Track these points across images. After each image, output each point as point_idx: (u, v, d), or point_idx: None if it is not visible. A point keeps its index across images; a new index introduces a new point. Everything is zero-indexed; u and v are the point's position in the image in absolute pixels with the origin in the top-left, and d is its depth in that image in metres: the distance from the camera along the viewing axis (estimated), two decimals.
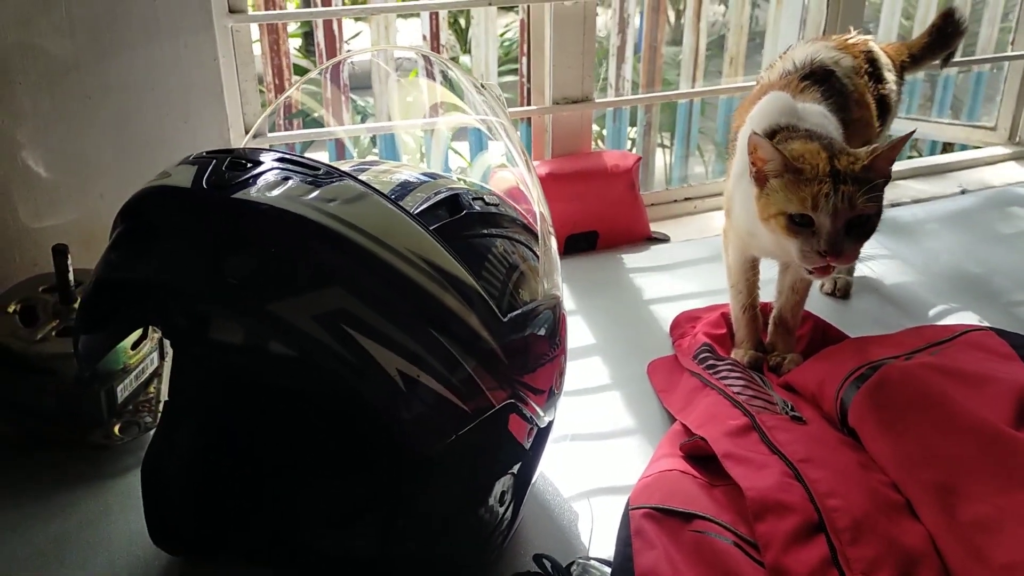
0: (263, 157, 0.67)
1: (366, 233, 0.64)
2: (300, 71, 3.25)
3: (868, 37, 1.19)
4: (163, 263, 0.62)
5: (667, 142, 3.05)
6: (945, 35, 1.28)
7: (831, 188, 0.90)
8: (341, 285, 0.62)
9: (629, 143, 2.82)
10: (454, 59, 3.24)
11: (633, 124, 2.87)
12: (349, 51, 2.04)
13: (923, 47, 1.27)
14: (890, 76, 1.17)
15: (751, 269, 1.09)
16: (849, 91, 1.08)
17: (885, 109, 1.16)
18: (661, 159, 2.99)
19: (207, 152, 0.68)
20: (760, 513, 0.76)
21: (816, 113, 1.01)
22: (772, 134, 0.97)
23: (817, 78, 1.06)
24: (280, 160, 0.67)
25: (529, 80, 2.20)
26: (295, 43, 3.53)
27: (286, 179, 0.65)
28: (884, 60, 1.18)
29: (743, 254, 1.08)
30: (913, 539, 0.75)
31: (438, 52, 2.23)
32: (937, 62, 1.31)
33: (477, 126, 1.62)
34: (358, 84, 2.74)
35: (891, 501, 0.79)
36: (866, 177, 0.91)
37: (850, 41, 1.15)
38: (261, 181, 0.64)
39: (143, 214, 0.65)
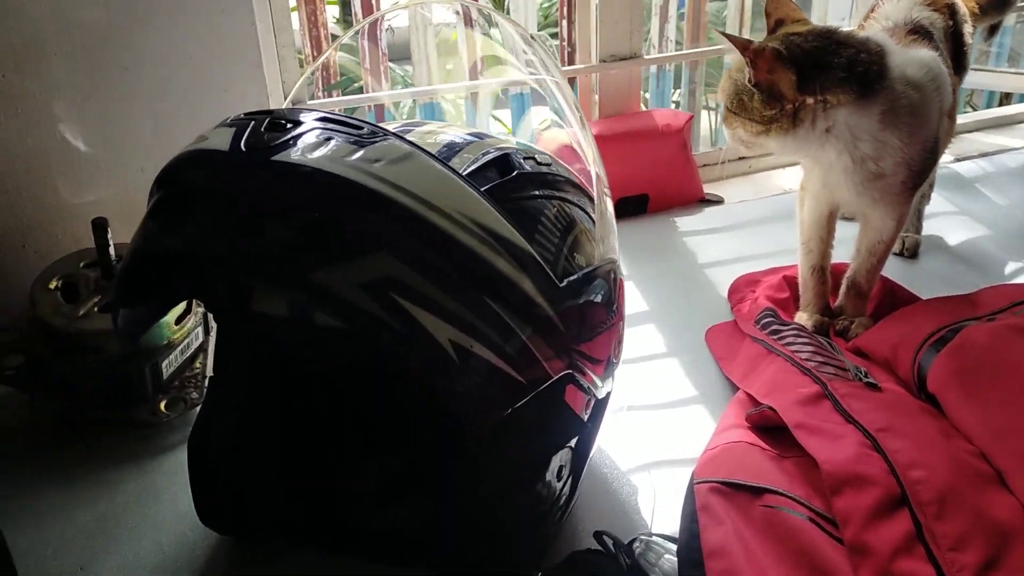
0: (303, 117, 0.63)
1: (413, 195, 0.60)
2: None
3: None
4: (200, 232, 0.59)
5: (712, 104, 2.96)
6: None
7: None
8: (388, 251, 0.59)
9: (673, 106, 2.74)
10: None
11: (677, 86, 2.78)
12: (392, 32, 2.00)
13: (983, 3, 1.20)
14: (967, 30, 1.12)
15: (825, 227, 1.04)
16: (944, 54, 1.03)
17: (962, 66, 1.11)
18: (707, 121, 2.91)
19: (245, 114, 0.64)
20: (837, 487, 0.72)
21: (924, 58, 0.96)
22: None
23: (922, 34, 1.01)
24: (321, 120, 0.63)
25: (570, 44, 2.14)
26: (332, 11, 3.49)
27: (328, 140, 0.61)
28: (963, 11, 1.12)
29: (818, 210, 1.03)
30: (1003, 512, 0.70)
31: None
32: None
33: (522, 87, 1.57)
34: (397, 54, 2.70)
35: (978, 472, 0.74)
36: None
37: None
38: (302, 142, 0.61)
39: (179, 180, 0.62)
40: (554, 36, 2.96)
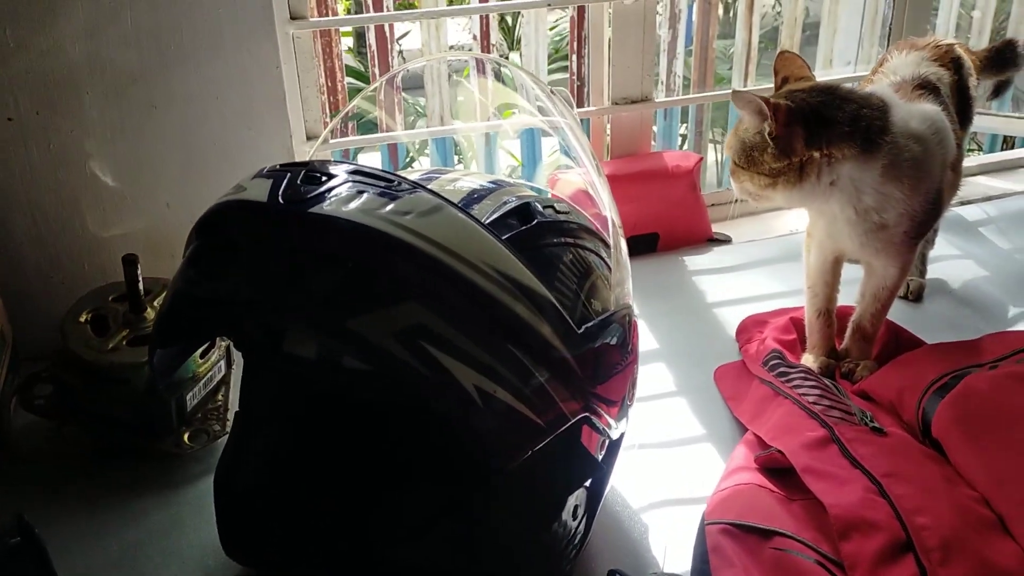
0: (336, 170, 0.67)
1: (442, 246, 0.63)
2: (352, 72, 3.27)
3: (954, 42, 1.16)
4: (242, 279, 0.62)
5: (719, 138, 3.01)
6: (1002, 59, 1.23)
7: None
8: (418, 300, 0.61)
9: (680, 140, 2.78)
10: (504, 57, 3.23)
11: (684, 121, 2.82)
12: (404, 62, 2.05)
13: (982, 60, 1.23)
14: (972, 83, 1.15)
15: (831, 272, 1.06)
16: (951, 111, 1.06)
17: (967, 119, 1.15)
18: (712, 155, 2.96)
19: (280, 165, 0.67)
20: (845, 532, 0.74)
21: (928, 112, 0.99)
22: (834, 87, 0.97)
23: (929, 89, 1.04)
24: (353, 172, 0.67)
25: (579, 78, 2.18)
26: (346, 42, 3.55)
27: (360, 192, 0.64)
28: (968, 65, 1.15)
29: (823, 256, 1.05)
30: (1006, 559, 0.72)
31: (488, 51, 2.22)
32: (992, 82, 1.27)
33: (537, 127, 1.61)
34: (410, 84, 2.75)
35: (981, 518, 0.76)
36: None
37: (942, 49, 1.13)
38: (335, 195, 0.64)
39: (219, 229, 0.65)
40: (564, 70, 3.01)
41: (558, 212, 0.78)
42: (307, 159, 0.74)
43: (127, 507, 0.91)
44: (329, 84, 2.45)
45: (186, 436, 0.97)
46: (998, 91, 1.30)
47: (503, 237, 0.69)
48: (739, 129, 0.98)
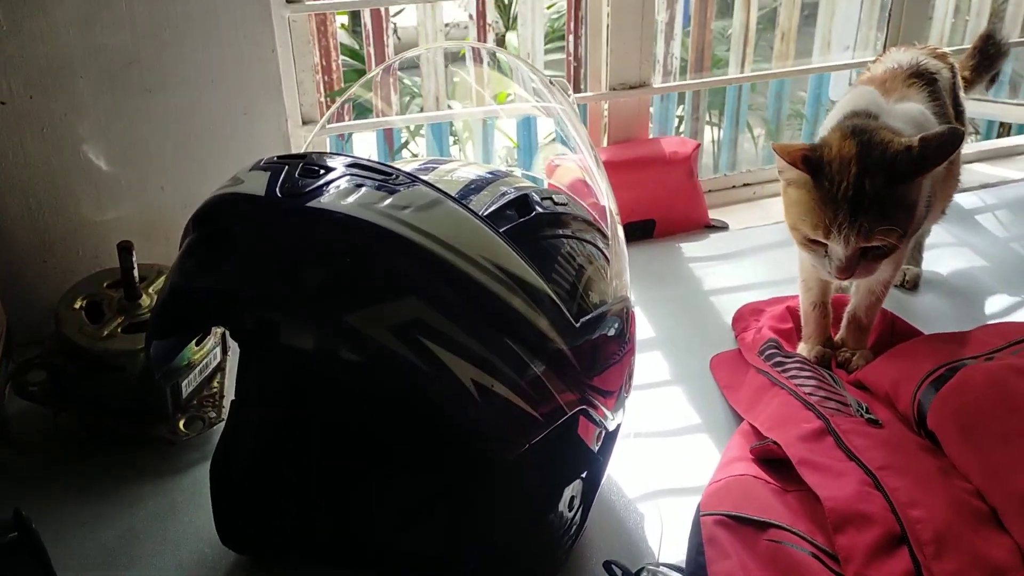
0: (334, 163, 0.66)
1: (440, 241, 0.63)
2: (346, 51, 3.24)
3: (947, 50, 1.16)
4: (239, 272, 0.62)
5: (715, 119, 2.99)
6: (988, 57, 1.25)
7: (847, 218, 0.87)
8: (416, 295, 0.61)
9: (676, 121, 2.77)
10: (501, 37, 3.20)
11: (681, 103, 2.81)
12: (399, 39, 2.03)
13: (971, 69, 1.24)
14: (963, 95, 1.17)
15: None
16: (946, 104, 1.06)
17: (962, 124, 1.14)
18: (709, 136, 2.94)
19: (278, 157, 0.67)
20: (840, 525, 0.74)
21: (911, 112, 0.98)
22: (847, 128, 0.93)
23: (924, 80, 1.04)
24: (351, 166, 0.66)
25: (576, 59, 2.17)
26: (340, 19, 3.51)
27: (359, 186, 0.64)
28: (959, 79, 1.17)
29: None
30: (1000, 552, 0.72)
31: (485, 31, 2.20)
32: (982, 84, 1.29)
33: (534, 115, 1.60)
34: (405, 64, 2.73)
35: (976, 511, 0.76)
36: (892, 197, 0.88)
37: (940, 51, 1.13)
38: (333, 188, 0.63)
39: (217, 221, 0.65)
40: (560, 50, 2.98)
41: (556, 204, 0.78)
42: (304, 150, 0.73)
43: (123, 494, 0.91)
44: (324, 64, 2.43)
45: (181, 423, 0.97)
46: (992, 81, 1.30)
47: (501, 229, 0.68)
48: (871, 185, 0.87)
